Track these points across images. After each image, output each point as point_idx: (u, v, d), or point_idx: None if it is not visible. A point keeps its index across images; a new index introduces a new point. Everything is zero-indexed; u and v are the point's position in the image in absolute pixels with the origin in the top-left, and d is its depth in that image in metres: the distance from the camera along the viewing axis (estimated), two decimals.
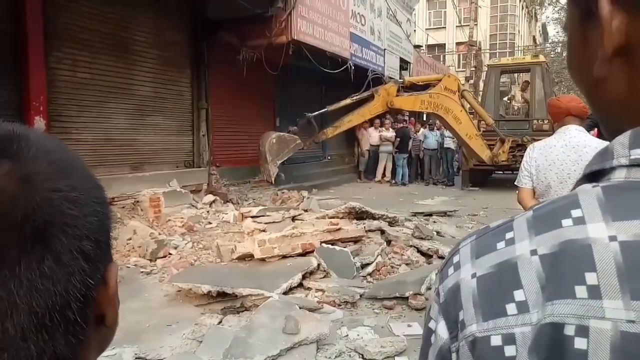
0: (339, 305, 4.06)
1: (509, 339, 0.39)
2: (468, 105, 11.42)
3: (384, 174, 13.93)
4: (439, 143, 13.67)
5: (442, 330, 0.44)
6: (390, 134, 13.82)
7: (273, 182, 9.14)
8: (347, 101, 10.04)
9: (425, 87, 10.86)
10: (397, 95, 10.23)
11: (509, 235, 0.42)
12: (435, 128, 13.69)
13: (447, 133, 13.09)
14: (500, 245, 0.42)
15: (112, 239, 0.45)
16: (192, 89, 9.15)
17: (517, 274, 0.40)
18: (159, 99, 8.43)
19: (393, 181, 13.59)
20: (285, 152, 9.11)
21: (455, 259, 0.45)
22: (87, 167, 0.44)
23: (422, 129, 14.54)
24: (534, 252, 0.40)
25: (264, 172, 9.52)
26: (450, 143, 13.51)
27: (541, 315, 0.38)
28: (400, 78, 12.18)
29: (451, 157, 13.69)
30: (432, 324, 0.45)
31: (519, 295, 0.39)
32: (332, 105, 9.86)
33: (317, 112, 9.59)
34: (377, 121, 13.78)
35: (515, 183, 2.87)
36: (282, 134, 9.32)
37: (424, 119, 17.54)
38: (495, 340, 0.39)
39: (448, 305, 0.43)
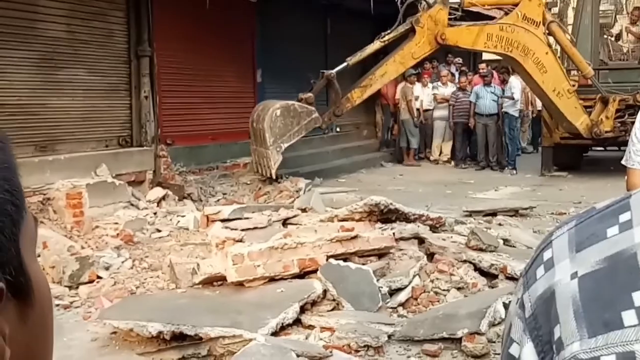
0: (357, 351, 4.11)
1: None
2: (554, 46, 11.33)
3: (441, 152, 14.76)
4: (499, 105, 13.65)
5: (529, 356, 0.46)
6: (448, 89, 14.39)
7: (274, 176, 9.10)
8: (376, 45, 9.87)
9: (489, 17, 10.78)
10: (449, 26, 10.02)
11: (624, 218, 0.44)
12: (492, 82, 13.70)
13: (511, 89, 13.20)
14: (612, 231, 0.44)
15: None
16: (127, 27, 9.13)
17: (637, 270, 0.41)
18: (77, 43, 8.42)
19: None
20: (294, 131, 9.05)
21: (547, 254, 0.47)
22: None
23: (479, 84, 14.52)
24: None
25: (258, 161, 9.47)
26: (510, 106, 13.47)
27: None
28: None
29: (511, 127, 13.58)
30: (514, 350, 0.47)
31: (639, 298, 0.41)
32: (354, 56, 9.72)
33: (338, 68, 9.50)
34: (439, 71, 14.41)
35: (623, 162, 2.86)
36: (290, 102, 9.22)
37: (475, 67, 17.46)
38: None
39: (537, 319, 0.45)
